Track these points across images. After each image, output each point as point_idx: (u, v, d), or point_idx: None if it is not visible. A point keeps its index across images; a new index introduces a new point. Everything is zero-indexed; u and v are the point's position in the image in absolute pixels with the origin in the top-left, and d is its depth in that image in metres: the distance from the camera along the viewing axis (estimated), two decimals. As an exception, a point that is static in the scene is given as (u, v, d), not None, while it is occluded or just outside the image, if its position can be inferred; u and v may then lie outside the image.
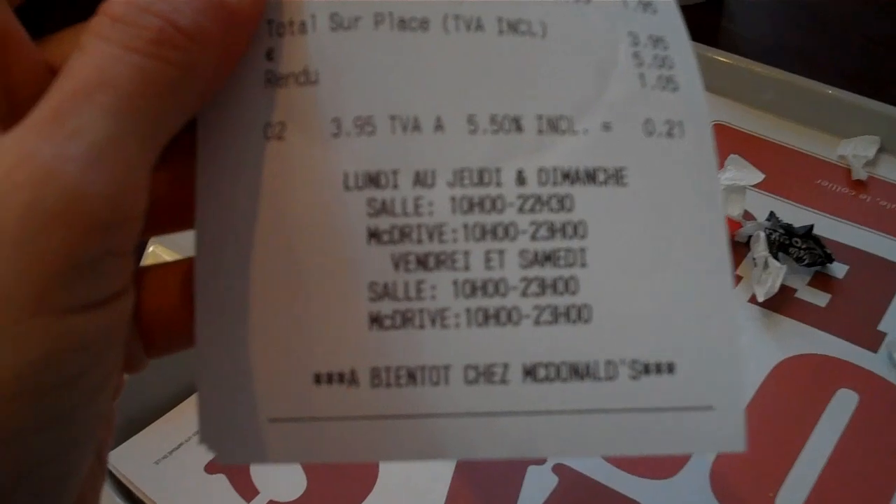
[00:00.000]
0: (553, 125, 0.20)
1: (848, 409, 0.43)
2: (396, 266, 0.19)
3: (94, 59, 0.17)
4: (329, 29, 0.19)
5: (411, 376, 0.19)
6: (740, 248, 0.50)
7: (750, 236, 0.49)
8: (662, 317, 0.19)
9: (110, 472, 0.39)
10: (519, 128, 0.20)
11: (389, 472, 0.40)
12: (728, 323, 0.20)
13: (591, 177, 0.20)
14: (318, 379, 0.19)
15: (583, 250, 0.19)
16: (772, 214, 0.50)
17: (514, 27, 0.20)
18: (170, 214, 0.21)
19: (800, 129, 0.57)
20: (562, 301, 0.19)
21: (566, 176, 0.20)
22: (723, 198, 0.49)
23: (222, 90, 0.19)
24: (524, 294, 0.19)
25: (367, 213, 0.19)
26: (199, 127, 0.20)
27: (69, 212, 0.16)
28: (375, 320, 0.19)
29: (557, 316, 0.19)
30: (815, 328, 0.46)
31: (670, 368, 0.19)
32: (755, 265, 0.48)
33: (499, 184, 0.19)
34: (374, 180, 0.19)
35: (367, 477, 0.40)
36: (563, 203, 0.20)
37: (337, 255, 0.19)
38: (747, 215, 0.51)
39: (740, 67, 0.58)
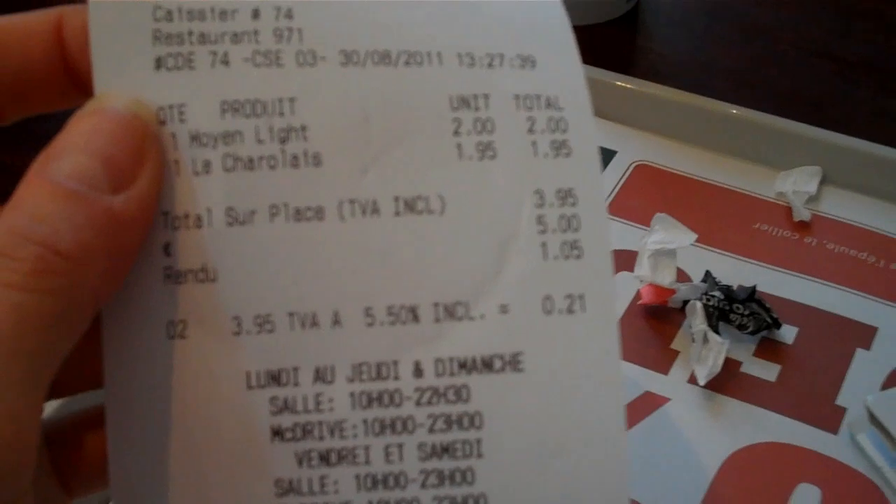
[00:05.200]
0: (450, 312, 0.20)
1: None
2: (300, 462, 0.20)
3: None
4: (225, 224, 0.20)
5: None
6: (675, 316, 0.44)
7: (685, 301, 0.43)
8: None
9: None
10: (416, 318, 0.20)
11: None
12: None
13: (487, 365, 0.20)
14: None
15: (478, 441, 0.20)
16: (707, 275, 0.45)
17: (410, 206, 0.20)
18: (82, 380, 0.22)
19: (732, 163, 0.52)
20: (459, 491, 0.20)
21: (462, 365, 0.20)
22: (652, 264, 0.43)
23: (124, 286, 0.20)
24: (423, 486, 0.20)
25: (270, 412, 0.20)
26: (103, 323, 0.20)
27: None
28: None
29: None
30: (766, 409, 0.41)
31: None
32: (693, 340, 0.42)
33: (396, 377, 0.20)
34: (275, 378, 0.20)
35: None
36: (459, 394, 0.20)
37: (244, 454, 0.20)
38: (681, 276, 0.45)
39: (661, 97, 0.53)
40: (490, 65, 0.21)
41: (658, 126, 0.53)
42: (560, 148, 0.21)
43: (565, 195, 0.21)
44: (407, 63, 0.21)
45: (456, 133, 0.21)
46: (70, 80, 0.21)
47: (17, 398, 0.17)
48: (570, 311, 0.20)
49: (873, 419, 0.38)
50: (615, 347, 0.20)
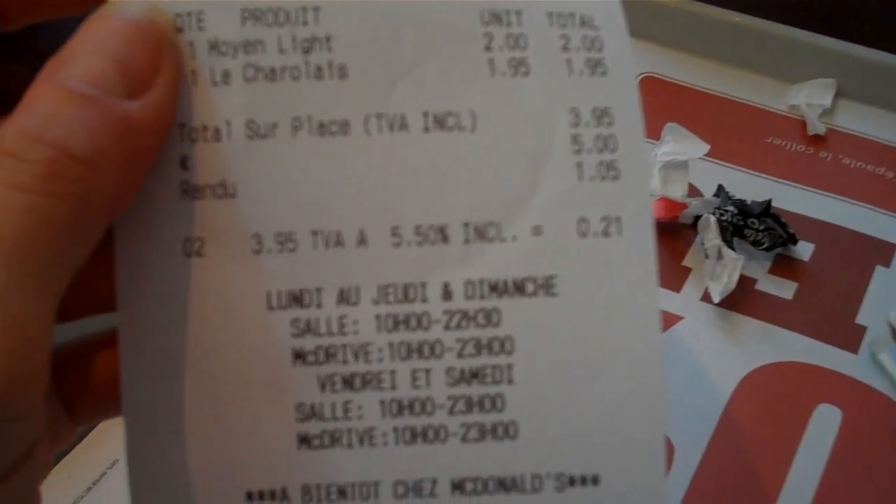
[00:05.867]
0: (480, 233, 0.20)
1: (831, 429, 0.37)
2: (323, 387, 0.20)
3: None
4: (245, 137, 0.20)
5: (342, 493, 0.20)
6: (686, 233, 0.43)
7: (697, 217, 0.42)
8: (589, 431, 0.20)
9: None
10: (445, 238, 0.20)
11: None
12: (655, 438, 0.20)
13: (519, 288, 0.20)
14: (250, 496, 0.20)
15: (509, 366, 0.20)
16: (720, 189, 0.43)
17: (440, 122, 0.20)
18: (88, 304, 0.22)
19: (742, 75, 0.50)
20: (488, 418, 0.20)
21: (493, 288, 0.20)
22: (662, 176, 0.41)
23: (138, 201, 0.19)
24: (451, 412, 0.20)
25: (291, 335, 0.20)
26: (115, 240, 0.20)
27: None
28: (304, 440, 0.20)
29: (484, 433, 0.20)
30: (782, 328, 0.40)
31: (595, 480, 0.20)
32: (706, 256, 0.41)
33: (424, 300, 0.20)
34: (297, 299, 0.20)
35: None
36: (489, 318, 0.20)
37: (263, 377, 0.20)
38: (692, 191, 0.44)
39: (669, 6, 0.51)
40: None
41: (666, 37, 0.52)
42: (596, 66, 0.21)
43: (601, 114, 0.20)
44: None
45: (488, 48, 0.20)
46: None
47: (30, 303, 0.17)
48: (606, 233, 0.20)
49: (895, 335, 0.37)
50: (653, 272, 0.20)
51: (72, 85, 0.17)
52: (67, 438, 0.22)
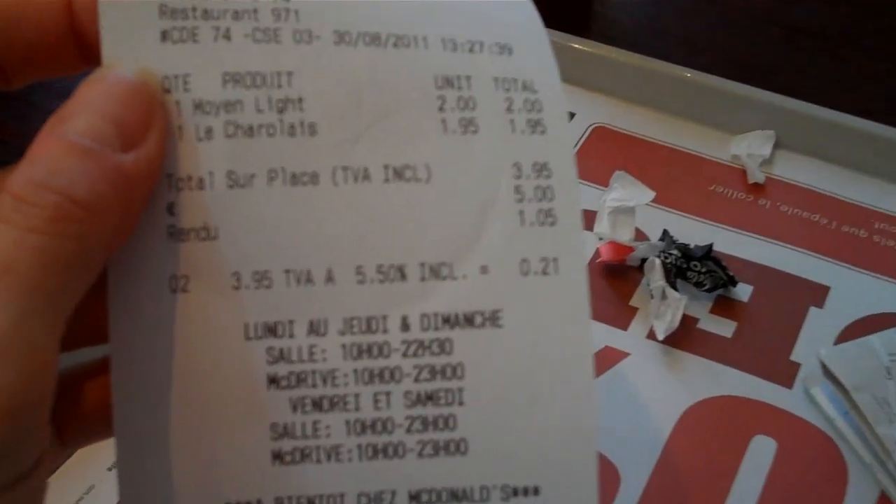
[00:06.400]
0: (435, 272, 0.22)
1: (766, 458, 0.39)
2: (294, 408, 0.21)
3: None
4: (226, 186, 0.21)
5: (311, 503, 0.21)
6: (633, 274, 0.45)
7: (643, 260, 0.44)
8: (530, 447, 0.22)
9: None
10: (403, 276, 0.22)
11: None
12: (588, 454, 0.22)
13: (469, 321, 0.22)
14: None
15: (460, 390, 0.22)
16: (665, 233, 0.45)
17: (399, 174, 0.22)
18: (81, 336, 0.22)
19: (688, 126, 0.52)
20: (442, 436, 0.22)
21: (446, 321, 0.22)
22: (611, 221, 0.44)
23: (130, 243, 0.21)
24: (409, 431, 0.21)
25: (266, 361, 0.21)
26: (109, 277, 0.21)
27: None
28: (277, 456, 0.21)
29: (438, 449, 0.22)
30: (722, 364, 0.42)
31: (536, 491, 0.22)
32: (652, 296, 0.42)
33: (385, 330, 0.21)
34: (272, 330, 0.21)
35: None
36: (443, 347, 0.22)
37: (241, 400, 0.21)
38: (639, 235, 0.46)
39: (617, 60, 0.53)
40: (471, 50, 0.23)
41: (616, 89, 0.53)
42: (536, 126, 0.23)
43: (541, 168, 0.22)
44: (395, 45, 0.22)
45: (441, 109, 0.22)
46: (79, 50, 0.22)
47: (40, 330, 0.18)
48: (544, 272, 0.22)
49: (826, 372, 0.39)
50: (585, 307, 0.22)
51: (73, 139, 0.19)
52: (57, 462, 0.23)
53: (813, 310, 0.44)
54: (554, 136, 0.23)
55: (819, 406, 0.40)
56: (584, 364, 0.22)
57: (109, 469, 0.38)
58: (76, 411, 0.23)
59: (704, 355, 0.42)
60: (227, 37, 0.22)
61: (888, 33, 0.61)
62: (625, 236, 0.43)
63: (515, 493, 0.22)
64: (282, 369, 0.21)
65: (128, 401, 0.21)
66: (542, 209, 0.22)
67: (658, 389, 0.41)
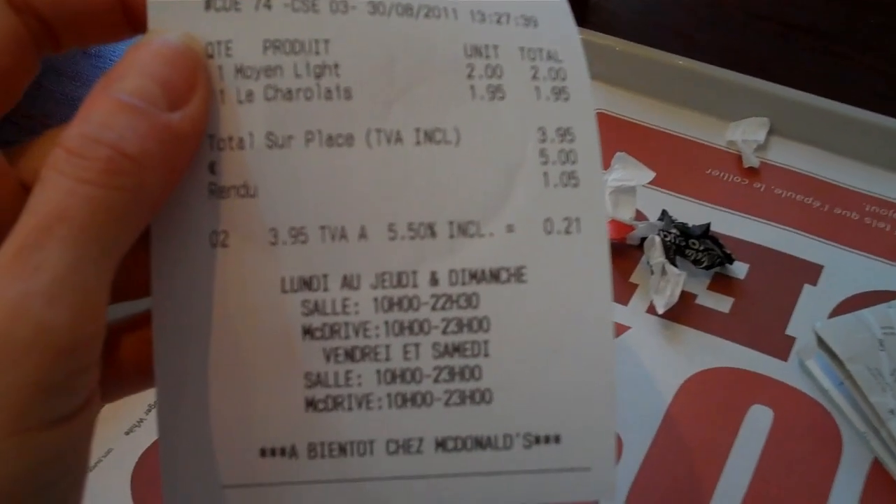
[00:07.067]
0: (463, 229, 0.23)
1: (763, 427, 0.40)
2: (328, 358, 0.22)
3: (51, 193, 0.19)
4: (265, 146, 0.22)
5: (342, 449, 0.22)
6: (633, 252, 0.46)
7: (643, 238, 0.45)
8: (552, 398, 0.23)
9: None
10: (433, 233, 0.23)
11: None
12: (607, 404, 0.23)
13: (495, 276, 0.23)
14: (263, 453, 0.22)
15: (486, 342, 0.23)
16: (664, 213, 0.46)
17: (430, 137, 0.23)
18: (134, 290, 0.23)
19: (685, 113, 0.54)
20: (467, 386, 0.23)
21: (473, 276, 0.23)
22: (612, 200, 0.45)
23: (172, 200, 0.22)
24: (436, 380, 0.22)
25: (301, 313, 0.22)
26: (152, 233, 0.22)
27: (37, 343, 0.18)
28: (311, 404, 0.22)
29: (464, 398, 0.23)
30: (720, 338, 0.43)
31: (557, 439, 0.23)
32: (652, 273, 0.44)
33: (415, 285, 0.22)
34: (307, 283, 0.22)
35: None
36: (469, 301, 0.22)
37: (277, 350, 0.22)
38: (639, 215, 0.47)
39: (618, 50, 0.55)
40: (498, 21, 0.24)
41: (616, 78, 0.55)
42: (560, 93, 0.23)
43: (564, 133, 0.23)
44: (427, 15, 0.23)
45: (469, 76, 0.23)
46: (125, 17, 0.23)
47: (93, 276, 0.19)
48: (567, 231, 0.23)
49: (821, 343, 0.40)
50: (606, 264, 0.23)
51: (123, 98, 0.20)
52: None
53: (807, 287, 0.45)
54: (577, 102, 0.24)
55: (814, 377, 0.41)
56: (603, 318, 0.23)
57: (127, 433, 0.39)
58: (112, 362, 0.23)
59: (703, 329, 0.43)
60: (268, 6, 0.22)
61: (880, 30, 0.62)
62: (626, 215, 0.45)
63: (537, 440, 0.23)
64: (316, 321, 0.22)
65: (168, 350, 0.22)
66: (566, 171, 0.23)
67: (658, 361, 0.42)
